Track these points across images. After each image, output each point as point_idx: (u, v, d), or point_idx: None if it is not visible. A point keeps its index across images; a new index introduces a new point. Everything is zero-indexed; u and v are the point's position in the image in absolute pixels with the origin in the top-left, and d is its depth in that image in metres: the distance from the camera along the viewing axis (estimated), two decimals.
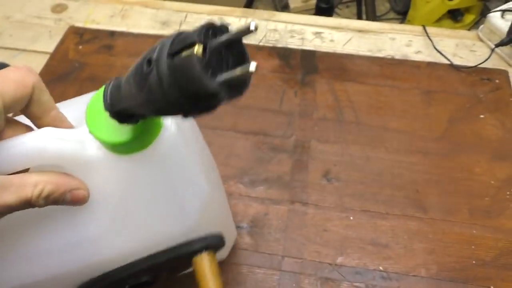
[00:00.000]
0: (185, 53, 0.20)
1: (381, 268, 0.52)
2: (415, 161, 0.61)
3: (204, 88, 0.19)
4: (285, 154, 0.63)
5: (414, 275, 0.52)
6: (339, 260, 0.53)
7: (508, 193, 0.58)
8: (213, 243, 0.39)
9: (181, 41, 0.20)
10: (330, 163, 0.62)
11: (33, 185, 0.25)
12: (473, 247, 0.53)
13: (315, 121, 0.66)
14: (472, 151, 0.62)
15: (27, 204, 0.25)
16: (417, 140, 0.64)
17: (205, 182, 0.37)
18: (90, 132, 0.29)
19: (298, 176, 0.61)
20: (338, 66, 0.73)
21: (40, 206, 0.26)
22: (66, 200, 0.27)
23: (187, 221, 0.36)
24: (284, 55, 0.75)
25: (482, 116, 0.66)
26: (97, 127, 0.28)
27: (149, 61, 0.21)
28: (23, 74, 0.27)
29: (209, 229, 0.39)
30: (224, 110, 0.68)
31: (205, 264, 0.37)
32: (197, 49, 0.19)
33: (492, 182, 0.59)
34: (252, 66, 0.20)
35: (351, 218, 0.56)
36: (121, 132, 0.28)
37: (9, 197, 0.24)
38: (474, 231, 0.55)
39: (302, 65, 0.74)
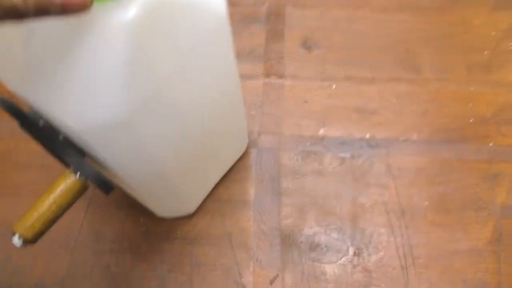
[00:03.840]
0: None
1: (368, 135, 0.47)
2: (405, 18, 0.54)
3: None
4: (257, 25, 0.55)
5: (404, 140, 0.46)
6: (322, 131, 0.48)
7: (510, 43, 0.51)
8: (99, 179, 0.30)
9: None
10: (309, 29, 0.54)
11: None
12: (470, 104, 0.48)
13: None
14: (470, 2, 0.54)
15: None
16: None
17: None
18: None
19: (273, 47, 0.53)
20: None
21: (20, 6, 0.19)
22: (56, 2, 0.19)
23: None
24: None
25: None
26: None
27: None
28: None
29: None
30: None
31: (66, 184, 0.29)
32: None
33: (493, 33, 0.52)
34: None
35: (334, 86, 0.50)
36: None
37: None
38: (472, 88, 0.49)
39: None
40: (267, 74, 0.51)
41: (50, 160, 0.32)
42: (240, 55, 0.53)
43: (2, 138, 0.49)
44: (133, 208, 0.44)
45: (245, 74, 0.52)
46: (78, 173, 0.27)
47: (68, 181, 0.27)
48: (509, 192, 0.43)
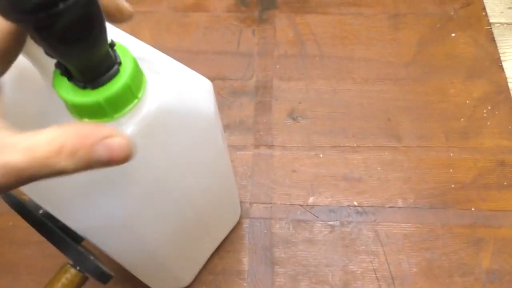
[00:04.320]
0: None
1: (355, 203, 0.49)
2: (385, 89, 0.57)
3: None
4: (246, 97, 0.58)
5: (390, 207, 0.48)
6: (311, 200, 0.49)
7: (485, 111, 0.54)
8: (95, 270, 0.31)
9: None
10: (295, 101, 0.57)
11: (46, 141, 0.18)
12: (451, 170, 0.50)
13: (276, 59, 0.61)
14: (444, 72, 0.58)
15: (47, 167, 0.18)
16: (386, 67, 0.59)
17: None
18: (54, 86, 0.23)
19: (261, 118, 0.56)
20: None
21: (69, 169, 0.19)
22: (102, 156, 0.19)
23: None
24: None
25: (453, 34, 0.62)
26: (63, 86, 0.23)
27: None
28: None
29: None
30: (178, 57, 0.62)
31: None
32: None
33: (468, 101, 0.55)
34: None
35: (321, 155, 0.52)
36: (83, 94, 0.23)
37: (17, 158, 0.17)
38: (452, 154, 0.51)
39: (259, 1, 0.68)
40: (257, 145, 0.54)
41: None
42: (231, 127, 0.56)
43: (1, 214, 0.50)
44: (130, 283, 0.45)
45: (235, 145, 0.54)
46: (78, 268, 0.29)
47: (68, 276, 0.28)
48: (493, 257, 0.44)
